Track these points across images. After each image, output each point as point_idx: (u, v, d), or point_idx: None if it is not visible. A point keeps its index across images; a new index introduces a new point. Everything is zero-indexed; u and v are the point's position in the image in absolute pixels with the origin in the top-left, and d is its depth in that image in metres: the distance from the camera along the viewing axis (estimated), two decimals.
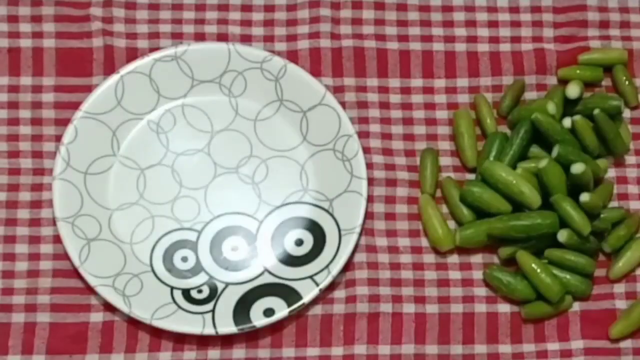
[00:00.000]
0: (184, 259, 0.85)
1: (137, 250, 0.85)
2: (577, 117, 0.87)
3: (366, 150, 0.88)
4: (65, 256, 0.84)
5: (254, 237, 0.86)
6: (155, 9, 0.91)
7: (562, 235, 0.84)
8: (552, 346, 0.85)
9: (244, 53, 0.89)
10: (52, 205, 0.85)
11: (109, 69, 0.89)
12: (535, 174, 0.85)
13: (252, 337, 0.84)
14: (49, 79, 0.89)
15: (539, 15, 0.94)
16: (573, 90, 0.89)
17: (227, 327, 0.82)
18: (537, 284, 0.83)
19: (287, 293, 0.84)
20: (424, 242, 0.87)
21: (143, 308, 0.82)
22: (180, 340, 0.83)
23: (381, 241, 0.86)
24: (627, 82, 0.92)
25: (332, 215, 0.87)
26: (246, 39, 0.91)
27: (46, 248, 0.85)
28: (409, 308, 0.85)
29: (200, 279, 0.85)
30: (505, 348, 0.84)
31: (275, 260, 0.86)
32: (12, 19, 0.90)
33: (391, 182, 0.88)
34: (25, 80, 0.89)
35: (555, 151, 0.85)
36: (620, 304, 0.86)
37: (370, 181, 0.87)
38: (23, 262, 0.84)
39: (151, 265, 0.85)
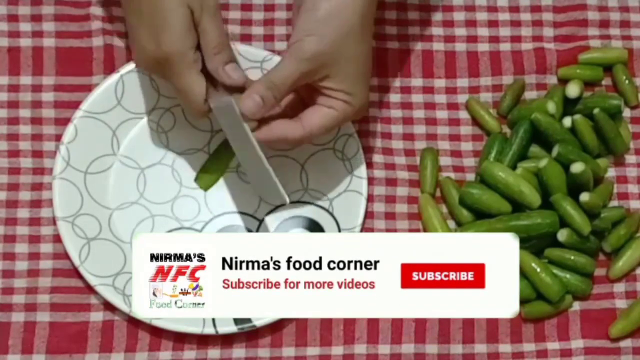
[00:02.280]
0: None
1: None
2: (577, 117, 0.87)
3: (366, 150, 0.88)
4: (65, 255, 0.84)
5: None
6: None
7: (562, 235, 0.84)
8: (552, 346, 0.85)
9: (244, 52, 0.89)
10: (52, 205, 0.85)
11: (109, 68, 0.89)
12: (535, 173, 0.85)
13: (252, 336, 0.84)
14: (48, 78, 0.89)
15: (539, 15, 0.94)
16: (573, 90, 0.89)
17: (227, 326, 0.82)
18: (537, 283, 0.83)
19: None
20: None
21: None
22: (180, 339, 0.83)
23: None
24: (627, 82, 0.92)
25: (332, 214, 0.86)
26: (246, 39, 0.91)
27: (46, 247, 0.85)
28: None
29: None
30: (505, 348, 0.84)
31: None
32: (12, 18, 0.90)
33: (391, 182, 0.88)
34: (25, 79, 0.89)
35: (555, 151, 0.85)
36: (620, 304, 0.86)
37: (370, 180, 0.87)
38: (23, 262, 0.84)
39: None
